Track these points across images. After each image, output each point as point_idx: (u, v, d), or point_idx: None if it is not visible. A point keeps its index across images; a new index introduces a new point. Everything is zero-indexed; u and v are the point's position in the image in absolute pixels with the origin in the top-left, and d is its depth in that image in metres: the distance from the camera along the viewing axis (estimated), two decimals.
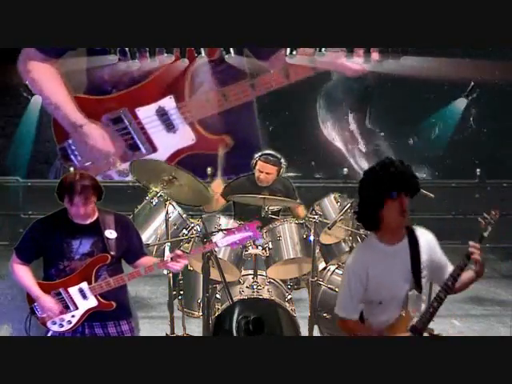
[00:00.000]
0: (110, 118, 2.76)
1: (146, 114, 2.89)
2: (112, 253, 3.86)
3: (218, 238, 4.00)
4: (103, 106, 2.93)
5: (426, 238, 3.55)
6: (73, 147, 2.82)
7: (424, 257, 3.49)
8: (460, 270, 3.44)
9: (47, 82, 3.21)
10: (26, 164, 11.09)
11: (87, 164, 3.08)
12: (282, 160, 5.65)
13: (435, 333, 3.51)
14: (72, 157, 3.13)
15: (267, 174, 5.61)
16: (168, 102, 3.10)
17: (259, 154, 5.68)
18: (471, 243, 3.42)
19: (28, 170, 10.37)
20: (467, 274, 3.52)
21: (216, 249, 4.12)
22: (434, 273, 3.53)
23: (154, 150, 3.08)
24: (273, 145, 5.82)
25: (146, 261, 4.00)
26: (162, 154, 3.65)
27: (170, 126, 2.90)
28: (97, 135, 2.91)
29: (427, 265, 3.50)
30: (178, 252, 3.91)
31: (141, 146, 2.83)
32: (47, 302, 3.82)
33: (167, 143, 3.56)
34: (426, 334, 3.49)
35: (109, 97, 2.82)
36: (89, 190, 3.78)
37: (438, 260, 3.54)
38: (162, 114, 2.95)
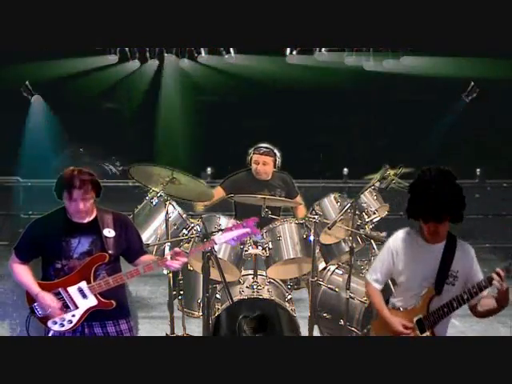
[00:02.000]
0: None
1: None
2: (110, 251, 3.85)
3: (216, 236, 4.01)
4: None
5: (465, 250, 3.65)
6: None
7: (456, 266, 3.58)
8: (479, 288, 3.48)
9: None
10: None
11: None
12: (276, 151, 5.69)
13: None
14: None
15: (264, 164, 5.65)
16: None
17: (252, 148, 5.72)
18: (497, 269, 3.45)
19: (28, 170, 10.41)
20: (491, 301, 3.57)
21: (215, 246, 4.11)
22: (466, 285, 3.60)
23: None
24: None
25: (145, 259, 4.00)
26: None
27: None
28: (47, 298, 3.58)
29: (458, 274, 3.58)
30: (177, 250, 3.90)
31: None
32: (47, 299, 3.82)
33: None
34: (427, 334, 3.52)
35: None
36: (88, 184, 3.78)
37: (473, 275, 3.61)
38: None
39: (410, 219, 3.65)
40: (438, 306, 3.59)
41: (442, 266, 3.59)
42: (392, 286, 4.11)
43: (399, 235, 3.77)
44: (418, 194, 3.57)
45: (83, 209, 3.81)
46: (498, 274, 3.41)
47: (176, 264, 3.85)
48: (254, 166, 5.69)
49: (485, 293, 3.53)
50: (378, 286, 3.81)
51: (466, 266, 3.61)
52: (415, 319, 3.61)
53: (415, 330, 3.60)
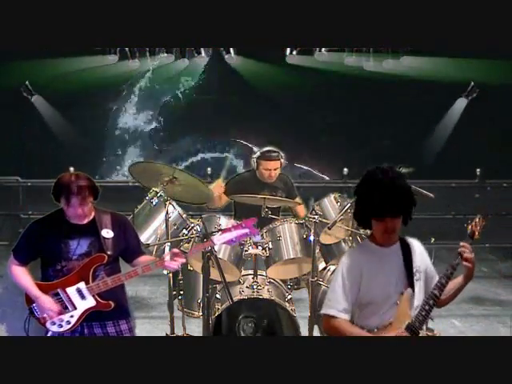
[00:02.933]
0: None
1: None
2: (109, 252, 3.85)
3: (215, 236, 4.01)
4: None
5: (416, 245, 3.57)
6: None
7: (417, 261, 3.49)
8: (452, 267, 3.41)
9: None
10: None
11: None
12: (281, 153, 5.69)
13: (435, 332, 3.50)
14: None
15: (275, 169, 5.66)
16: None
17: (258, 153, 5.69)
18: (461, 243, 3.44)
19: (28, 170, 10.45)
20: (456, 280, 3.51)
21: (215, 247, 4.11)
22: (426, 281, 3.51)
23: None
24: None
25: (144, 260, 4.00)
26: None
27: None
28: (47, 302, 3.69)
29: (421, 269, 3.51)
30: (175, 250, 3.90)
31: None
32: (46, 302, 3.82)
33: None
34: (422, 334, 3.47)
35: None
36: (85, 190, 3.77)
37: (430, 269, 3.56)
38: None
39: (361, 226, 3.50)
40: (413, 304, 3.44)
41: (406, 265, 3.45)
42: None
43: (353, 254, 3.62)
44: (369, 191, 3.36)
45: (81, 213, 3.82)
46: (465, 247, 3.40)
47: (174, 265, 3.85)
48: (265, 173, 5.66)
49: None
50: (348, 317, 3.41)
51: (423, 259, 3.54)
52: (404, 327, 3.41)
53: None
